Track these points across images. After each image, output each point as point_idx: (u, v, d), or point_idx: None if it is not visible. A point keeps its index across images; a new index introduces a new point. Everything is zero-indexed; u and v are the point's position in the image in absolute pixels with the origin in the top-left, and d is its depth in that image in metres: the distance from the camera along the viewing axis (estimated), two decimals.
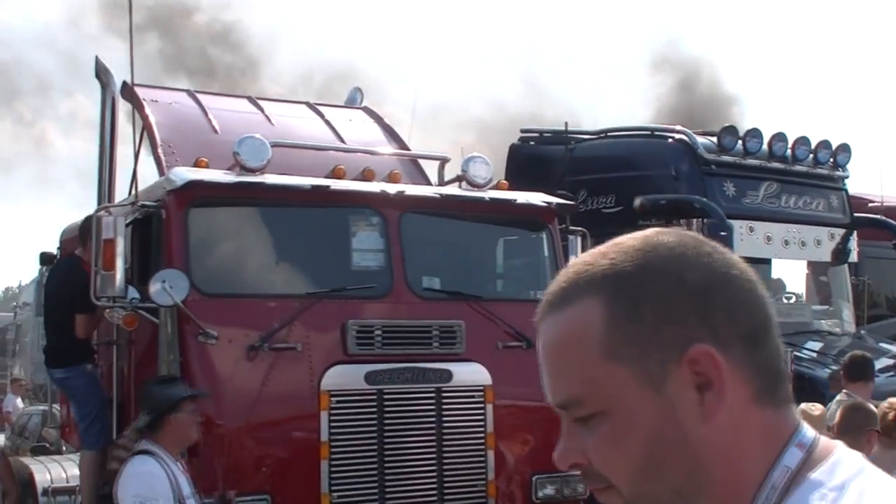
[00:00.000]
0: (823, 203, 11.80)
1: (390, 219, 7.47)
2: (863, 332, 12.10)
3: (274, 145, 7.45)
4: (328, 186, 7.34)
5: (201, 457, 6.74)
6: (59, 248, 10.19)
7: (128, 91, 8.95)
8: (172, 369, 6.76)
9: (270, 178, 7.23)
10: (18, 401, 20.53)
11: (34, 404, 19.14)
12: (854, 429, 6.11)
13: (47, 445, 12.16)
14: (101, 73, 8.82)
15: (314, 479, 6.90)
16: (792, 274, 12.73)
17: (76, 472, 8.37)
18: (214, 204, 7.35)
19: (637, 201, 10.65)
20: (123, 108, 9.01)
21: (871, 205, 14.79)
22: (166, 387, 6.36)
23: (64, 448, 10.56)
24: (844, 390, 8.34)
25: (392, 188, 7.57)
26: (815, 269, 12.66)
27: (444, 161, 8.67)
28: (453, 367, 7.33)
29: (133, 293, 6.98)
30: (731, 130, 10.92)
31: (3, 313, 37.04)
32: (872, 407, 6.55)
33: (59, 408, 11.32)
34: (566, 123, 12.02)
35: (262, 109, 9.34)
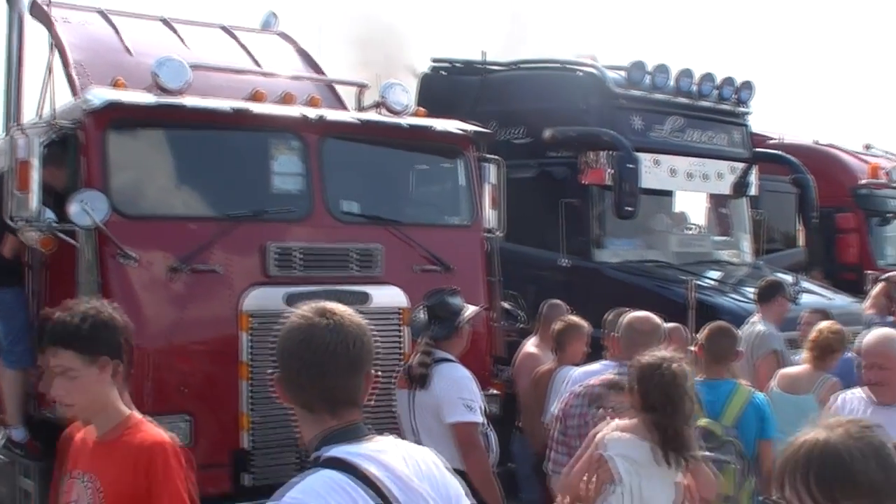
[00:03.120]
0: (726, 138, 12.18)
1: (310, 143, 7.52)
2: (760, 262, 12.54)
3: (194, 67, 7.43)
4: (249, 110, 7.35)
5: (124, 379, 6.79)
6: None
7: (37, 9, 8.80)
8: (92, 291, 6.76)
9: (191, 101, 7.21)
10: None
11: None
12: (721, 351, 6.44)
13: None
14: None
15: (234, 398, 7.01)
16: (694, 206, 13.01)
17: None
18: (134, 125, 7.30)
19: (547, 133, 10.87)
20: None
21: (770, 141, 15.29)
22: (455, 297, 6.67)
23: None
24: (758, 312, 8.79)
25: (312, 113, 7.60)
26: (716, 201, 13.04)
27: (362, 87, 8.74)
28: (371, 289, 7.46)
29: (49, 215, 6.93)
30: (640, 65, 11.16)
31: None
32: (736, 331, 6.89)
33: None
34: (483, 53, 12.15)
35: (176, 31, 9.26)
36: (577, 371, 6.81)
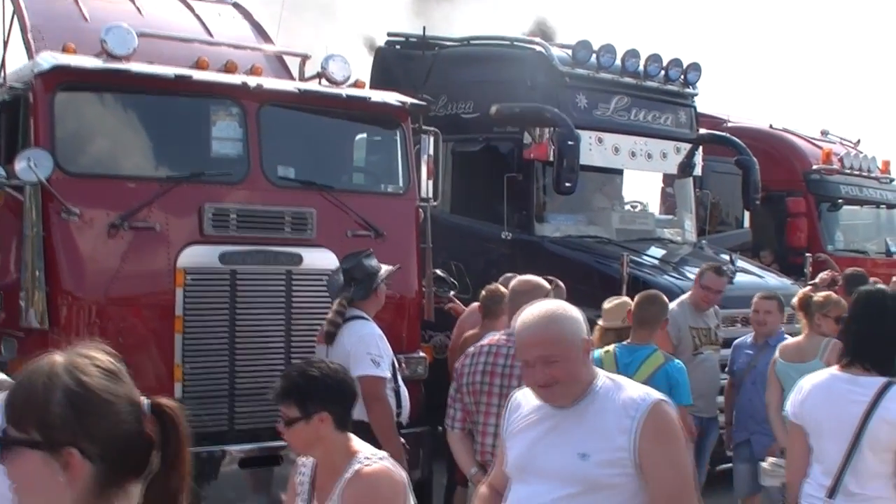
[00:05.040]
0: (672, 118, 12.46)
1: (249, 110, 7.88)
2: (703, 242, 12.87)
3: (140, 35, 7.78)
4: (191, 76, 7.71)
5: (62, 328, 7.18)
6: None
7: None
8: (36, 245, 7.14)
9: (136, 66, 7.57)
10: None
11: None
12: (647, 316, 6.81)
13: None
14: None
15: (169, 350, 7.40)
16: (640, 185, 13.30)
17: None
18: (80, 88, 7.65)
19: (493, 108, 11.19)
20: None
21: (726, 124, 15.64)
22: (371, 259, 7.10)
23: None
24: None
25: (252, 81, 7.96)
26: (662, 181, 13.40)
27: (304, 58, 9.10)
28: (304, 251, 7.84)
29: (0, 171, 7.32)
30: (586, 45, 11.45)
31: None
32: (665, 299, 7.25)
33: None
34: (424, 28, 12.47)
35: (133, 1, 9.58)
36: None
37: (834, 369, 5.10)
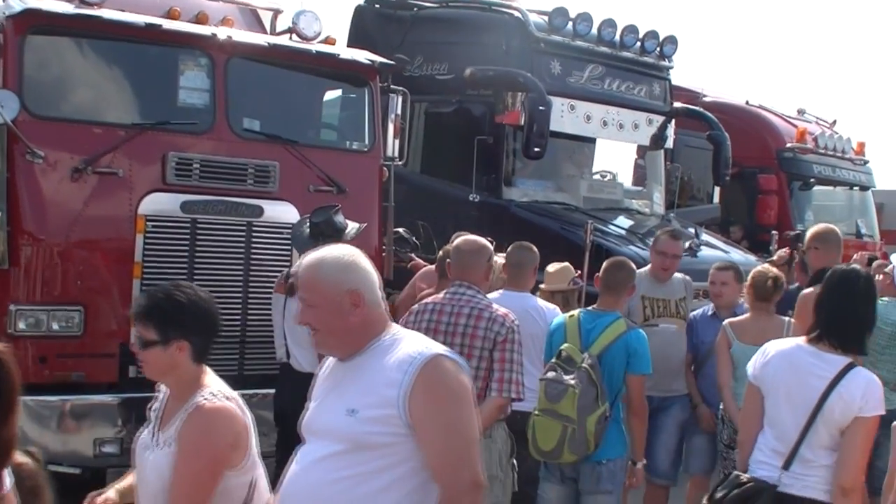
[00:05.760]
0: (646, 90, 12.52)
1: (217, 61, 7.96)
2: (671, 214, 12.96)
3: None
4: (160, 25, 7.77)
5: (22, 268, 7.30)
6: None
7: None
8: (0, 185, 7.25)
9: (107, 13, 7.64)
10: None
11: None
12: (613, 282, 6.89)
13: None
14: None
15: (127, 295, 7.49)
16: (610, 155, 13.42)
17: None
18: (51, 33, 7.70)
19: (467, 71, 11.28)
20: None
21: (703, 99, 15.73)
22: (339, 215, 7.23)
23: None
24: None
25: (222, 32, 8.04)
26: (633, 152, 13.51)
27: (276, 12, 9.18)
28: (265, 204, 7.94)
29: None
30: (562, 12, 11.52)
31: None
32: (632, 266, 7.32)
33: None
34: None
35: None
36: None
37: (801, 340, 5.25)
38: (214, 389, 3.95)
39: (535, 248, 7.42)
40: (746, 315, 7.70)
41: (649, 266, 8.75)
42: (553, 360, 6.44)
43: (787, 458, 5.06)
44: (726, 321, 7.73)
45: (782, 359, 5.20)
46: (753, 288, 7.62)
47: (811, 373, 5.07)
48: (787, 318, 7.56)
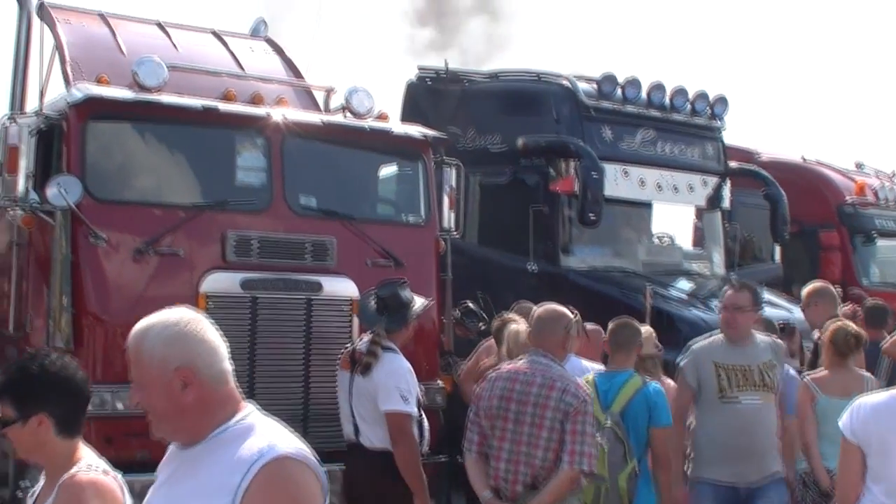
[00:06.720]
0: (699, 151, 12.54)
1: (273, 140, 8.13)
2: (732, 275, 12.87)
3: (171, 67, 8.07)
4: (217, 108, 7.99)
5: (87, 349, 7.43)
6: None
7: (43, 10, 9.48)
8: (64, 268, 7.41)
9: (165, 97, 7.86)
10: None
11: None
12: (624, 342, 6.92)
13: None
14: None
15: None
16: (668, 218, 13.35)
17: None
18: (112, 118, 7.96)
19: (520, 141, 11.41)
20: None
21: (760, 157, 15.67)
22: (405, 290, 7.18)
23: None
24: None
25: (276, 113, 8.22)
26: (690, 214, 13.47)
27: (330, 91, 9.38)
28: (324, 279, 8.03)
29: (34, 197, 7.62)
30: (611, 78, 11.62)
31: None
32: (637, 325, 7.23)
33: None
34: (446, 61, 12.72)
35: (168, 35, 9.90)
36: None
37: (894, 391, 5.15)
38: (90, 461, 3.71)
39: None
40: (824, 371, 7.57)
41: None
42: None
43: None
44: (807, 376, 7.55)
45: (884, 410, 5.09)
46: (833, 344, 7.49)
47: None
48: (867, 374, 7.48)
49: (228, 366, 3.15)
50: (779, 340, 7.45)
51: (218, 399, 3.10)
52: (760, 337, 7.28)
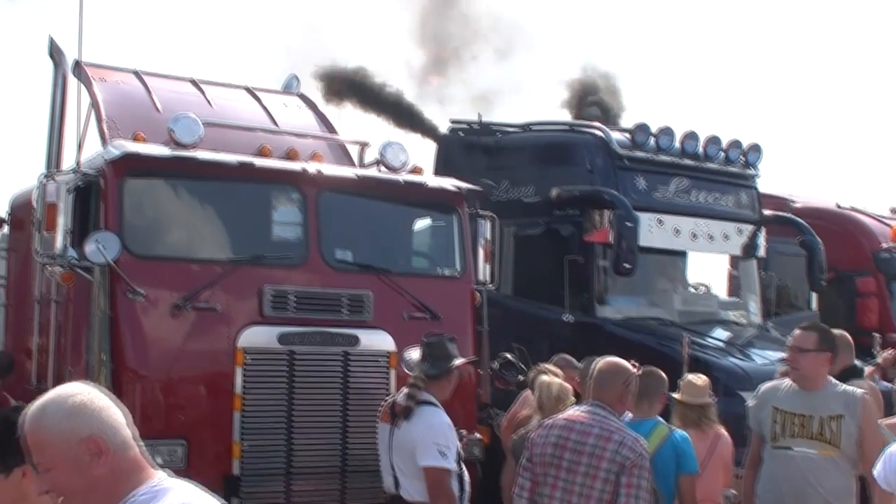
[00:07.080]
0: (733, 199, 12.47)
1: (308, 195, 8.18)
2: (769, 324, 12.79)
3: (206, 124, 8.15)
4: (253, 163, 8.05)
5: (126, 404, 7.42)
6: (8, 213, 10.89)
7: (79, 69, 9.61)
8: (103, 324, 7.45)
9: (201, 154, 7.93)
10: None
11: None
12: (648, 391, 6.85)
13: None
14: (55, 52, 9.56)
15: (228, 428, 7.61)
16: (703, 267, 13.29)
17: None
18: (148, 175, 8.04)
19: (553, 192, 11.40)
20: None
21: (794, 205, 15.60)
22: (452, 343, 7.09)
23: None
24: None
25: (312, 167, 8.28)
26: (725, 262, 13.40)
27: (364, 145, 9.44)
28: (361, 332, 8.05)
29: (72, 253, 7.68)
30: (644, 127, 11.61)
31: None
32: (661, 373, 7.05)
33: None
34: (479, 115, 12.78)
35: (203, 92, 10.01)
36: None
37: None
38: None
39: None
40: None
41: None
42: None
43: None
44: (881, 421, 6.84)
45: None
46: None
47: None
48: None
49: (129, 432, 2.99)
50: (859, 393, 6.66)
51: (128, 465, 2.95)
52: (843, 387, 6.68)
